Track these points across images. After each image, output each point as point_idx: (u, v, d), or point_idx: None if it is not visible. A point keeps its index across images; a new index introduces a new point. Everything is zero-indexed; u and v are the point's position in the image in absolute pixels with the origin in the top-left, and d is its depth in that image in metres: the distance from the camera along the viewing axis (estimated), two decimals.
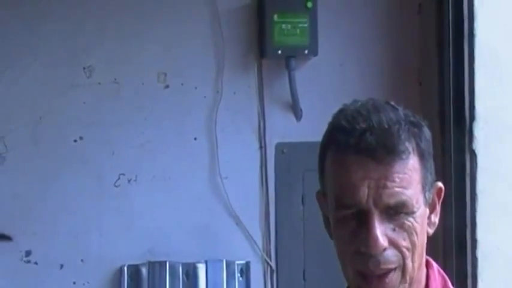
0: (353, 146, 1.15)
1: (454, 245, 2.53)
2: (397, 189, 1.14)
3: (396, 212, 1.15)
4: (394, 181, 1.14)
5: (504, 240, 2.50)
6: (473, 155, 2.52)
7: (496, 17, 2.54)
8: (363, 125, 1.15)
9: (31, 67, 2.76)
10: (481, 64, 2.53)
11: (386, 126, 1.15)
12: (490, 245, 2.49)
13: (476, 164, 2.51)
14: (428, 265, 1.25)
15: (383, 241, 1.14)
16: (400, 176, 1.15)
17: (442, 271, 1.27)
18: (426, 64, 2.84)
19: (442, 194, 1.24)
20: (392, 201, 1.14)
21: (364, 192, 1.14)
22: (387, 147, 1.14)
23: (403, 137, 1.16)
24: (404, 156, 1.15)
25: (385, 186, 1.14)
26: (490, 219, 2.49)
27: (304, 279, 2.85)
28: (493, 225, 2.49)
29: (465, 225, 2.52)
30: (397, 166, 1.15)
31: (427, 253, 1.24)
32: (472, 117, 2.54)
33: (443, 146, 2.61)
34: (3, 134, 2.75)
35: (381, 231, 1.14)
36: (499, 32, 2.54)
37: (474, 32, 2.53)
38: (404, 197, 1.15)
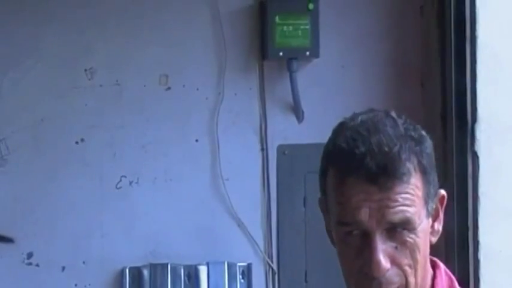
0: (353, 171, 1.14)
1: (456, 247, 2.53)
2: (400, 207, 1.14)
3: (398, 229, 1.15)
4: (396, 201, 1.14)
5: (506, 242, 2.50)
6: (475, 157, 2.52)
7: (498, 19, 2.54)
8: (363, 149, 1.14)
9: (33, 69, 2.76)
10: (483, 66, 2.52)
11: (386, 150, 1.14)
12: (492, 247, 2.48)
13: (478, 166, 2.50)
14: (435, 266, 1.25)
15: (385, 263, 1.14)
16: (403, 195, 1.15)
17: (449, 272, 1.27)
18: (428, 66, 2.83)
19: (445, 202, 1.23)
20: (396, 219, 1.14)
21: (365, 212, 1.14)
22: (388, 172, 1.13)
23: (403, 157, 1.14)
24: (405, 178, 1.14)
25: (387, 207, 1.14)
26: (492, 221, 2.49)
27: (305, 281, 2.84)
28: (495, 227, 2.49)
29: (467, 228, 2.51)
30: (399, 188, 1.14)
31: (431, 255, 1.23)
32: (474, 119, 2.53)
33: (445, 148, 2.61)
34: (5, 136, 2.75)
35: (383, 252, 1.14)
36: (501, 34, 2.54)
37: (476, 34, 2.52)
38: (408, 214, 1.15)
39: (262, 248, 2.84)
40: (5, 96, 2.75)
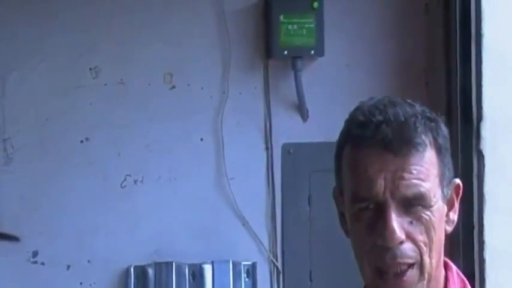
0: (369, 138, 1.14)
1: (461, 247, 2.52)
2: (414, 180, 1.13)
3: (413, 204, 1.14)
4: (411, 173, 1.13)
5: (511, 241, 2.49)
6: (480, 155, 2.51)
7: (503, 17, 2.53)
8: (379, 118, 1.15)
9: (37, 68, 2.76)
10: (488, 64, 2.52)
11: (402, 119, 1.15)
12: (497, 247, 2.48)
13: (483, 164, 2.50)
14: (447, 267, 1.23)
15: (400, 233, 1.12)
16: (417, 168, 1.14)
17: (461, 274, 1.25)
18: (433, 64, 2.83)
19: (461, 191, 1.22)
20: (409, 192, 1.13)
21: (380, 184, 1.13)
22: (403, 139, 1.14)
23: (419, 129, 1.15)
24: (420, 149, 1.14)
25: (402, 178, 1.13)
26: (498, 220, 2.48)
27: (310, 279, 2.84)
28: (501, 226, 2.49)
29: (472, 227, 2.51)
30: (414, 158, 1.14)
31: None
32: (479, 118, 2.53)
33: (450, 146, 2.60)
34: (10, 135, 2.76)
35: (398, 224, 1.12)
36: (507, 32, 2.53)
37: (481, 32, 2.52)
38: (422, 189, 1.13)
39: (267, 247, 2.84)
40: (10, 95, 2.75)
